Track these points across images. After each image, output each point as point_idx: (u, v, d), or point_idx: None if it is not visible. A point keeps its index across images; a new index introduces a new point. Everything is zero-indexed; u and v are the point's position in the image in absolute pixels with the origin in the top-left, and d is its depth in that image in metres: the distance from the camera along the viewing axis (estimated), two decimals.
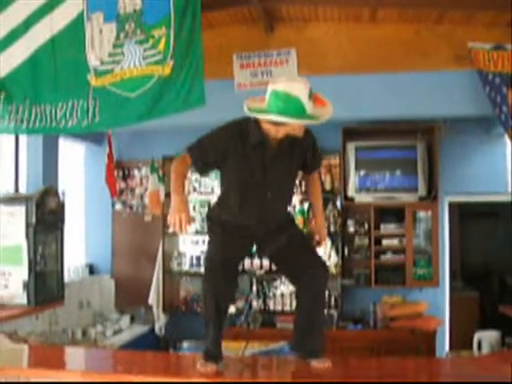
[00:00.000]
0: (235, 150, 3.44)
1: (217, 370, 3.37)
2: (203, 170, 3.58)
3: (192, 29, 4.89)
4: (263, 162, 3.46)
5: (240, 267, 3.84)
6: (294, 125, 3.27)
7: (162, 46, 4.94)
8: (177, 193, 3.36)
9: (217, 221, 3.61)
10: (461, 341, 7.66)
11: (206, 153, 3.47)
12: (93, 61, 5.13)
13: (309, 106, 3.19)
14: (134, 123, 5.22)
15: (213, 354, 3.46)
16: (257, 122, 3.38)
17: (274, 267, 6.70)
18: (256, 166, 3.46)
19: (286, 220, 3.73)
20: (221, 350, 3.51)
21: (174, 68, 4.92)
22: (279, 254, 3.69)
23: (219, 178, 3.70)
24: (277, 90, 3.19)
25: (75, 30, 5.16)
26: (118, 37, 5.08)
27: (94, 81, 5.15)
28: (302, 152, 3.59)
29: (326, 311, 7.11)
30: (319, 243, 3.79)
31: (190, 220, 3.29)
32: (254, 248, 3.82)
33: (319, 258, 3.70)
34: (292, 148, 3.49)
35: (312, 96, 3.21)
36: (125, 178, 8.16)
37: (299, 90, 3.18)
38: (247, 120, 3.42)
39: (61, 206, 6.33)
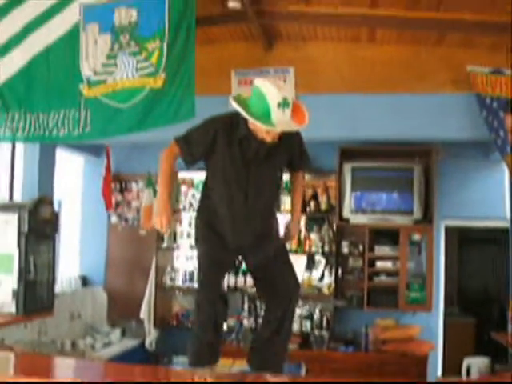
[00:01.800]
0: (222, 142, 3.46)
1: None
2: (190, 162, 3.62)
3: (185, 42, 4.91)
4: (246, 157, 3.46)
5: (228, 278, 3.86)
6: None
7: (154, 58, 4.96)
8: (161, 193, 3.50)
9: (202, 221, 3.63)
10: (454, 366, 7.58)
11: (193, 145, 3.52)
12: (86, 71, 5.15)
13: (277, 114, 3.20)
14: (124, 134, 5.25)
15: (207, 358, 3.54)
16: None
17: None
18: (239, 161, 3.46)
19: (268, 229, 3.71)
20: (217, 354, 3.58)
21: (165, 81, 4.94)
22: (258, 270, 3.70)
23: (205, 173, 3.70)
24: (255, 84, 3.27)
25: (70, 39, 5.19)
26: (112, 48, 5.09)
27: (86, 91, 5.16)
28: (288, 151, 3.59)
29: (316, 332, 7.10)
30: (289, 238, 3.83)
31: (171, 222, 3.44)
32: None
33: (295, 278, 3.73)
34: (277, 147, 3.48)
35: (285, 106, 3.21)
36: (122, 190, 8.14)
37: (271, 91, 3.20)
38: (238, 113, 3.41)
39: (55, 216, 6.32)
